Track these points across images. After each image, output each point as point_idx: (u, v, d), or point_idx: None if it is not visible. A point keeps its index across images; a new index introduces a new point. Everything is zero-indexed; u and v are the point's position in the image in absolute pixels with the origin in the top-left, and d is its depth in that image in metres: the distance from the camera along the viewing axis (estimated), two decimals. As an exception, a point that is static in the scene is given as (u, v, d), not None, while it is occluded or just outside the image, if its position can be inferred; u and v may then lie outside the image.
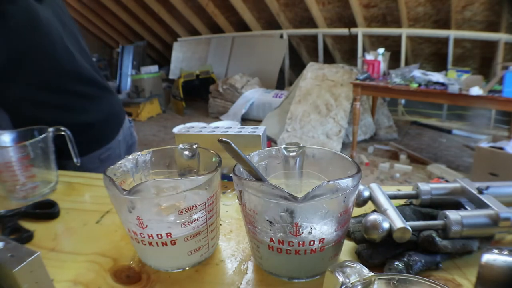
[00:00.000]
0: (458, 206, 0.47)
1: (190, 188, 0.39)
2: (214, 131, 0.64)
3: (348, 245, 0.45)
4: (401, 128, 3.90)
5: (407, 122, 4.14)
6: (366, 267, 0.26)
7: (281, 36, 4.75)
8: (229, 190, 0.63)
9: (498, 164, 2.22)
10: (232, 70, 5.17)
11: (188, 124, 0.83)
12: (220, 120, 4.33)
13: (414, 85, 2.73)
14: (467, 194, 0.47)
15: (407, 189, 0.51)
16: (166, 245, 0.41)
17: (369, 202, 0.48)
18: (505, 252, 0.32)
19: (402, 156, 3.09)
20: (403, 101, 4.24)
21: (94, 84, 0.96)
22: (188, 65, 5.59)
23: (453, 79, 2.69)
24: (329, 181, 0.35)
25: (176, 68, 5.74)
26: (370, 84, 2.96)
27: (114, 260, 0.46)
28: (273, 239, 0.38)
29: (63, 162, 0.72)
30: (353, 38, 4.13)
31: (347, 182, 0.36)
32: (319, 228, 0.37)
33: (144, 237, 0.40)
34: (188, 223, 0.41)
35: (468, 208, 0.45)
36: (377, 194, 0.47)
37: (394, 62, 3.74)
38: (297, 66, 4.94)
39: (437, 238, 0.40)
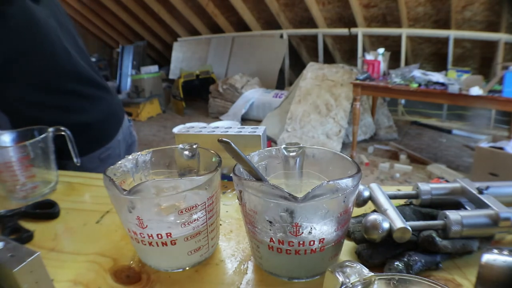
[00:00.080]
0: (458, 206, 0.47)
1: (190, 188, 0.39)
2: (214, 131, 0.64)
3: (348, 245, 0.45)
4: (401, 128, 3.90)
5: (407, 122, 4.14)
6: (366, 267, 0.26)
7: (281, 36, 4.75)
8: (229, 190, 0.63)
9: (498, 164, 2.22)
10: (232, 70, 5.17)
11: (188, 124, 0.83)
12: (220, 120, 4.33)
13: (414, 85, 2.73)
14: (467, 194, 0.47)
15: (407, 189, 0.51)
16: (166, 245, 0.41)
17: (369, 202, 0.48)
18: (505, 252, 0.32)
19: (402, 156, 3.09)
20: (403, 101, 4.24)
21: (93, 84, 0.96)
22: (188, 65, 5.59)
23: (453, 79, 2.69)
24: (329, 181, 0.35)
25: (176, 68, 5.74)
26: (370, 84, 2.96)
27: (114, 260, 0.46)
28: (273, 239, 0.38)
29: (63, 162, 0.72)
30: (353, 38, 4.13)
31: (347, 182, 0.36)
32: (319, 228, 0.37)
33: (144, 237, 0.40)
34: (188, 223, 0.41)
35: (468, 208, 0.45)
36: (377, 194, 0.47)
37: (394, 62, 3.74)
38: (297, 66, 4.94)
39: (437, 238, 0.40)
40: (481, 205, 0.43)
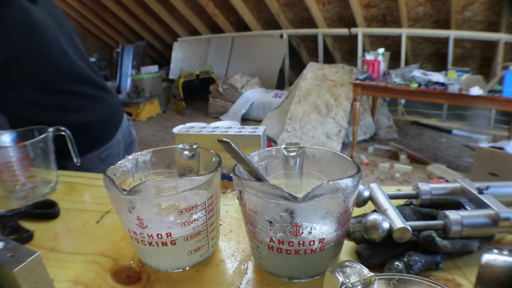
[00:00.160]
0: (458, 206, 0.47)
1: (190, 188, 0.39)
2: (214, 131, 0.64)
3: (348, 245, 0.45)
4: (401, 128, 3.90)
5: (407, 122, 4.14)
6: (366, 267, 0.26)
7: (281, 36, 4.75)
8: (229, 190, 0.63)
9: (498, 164, 2.22)
10: (232, 70, 5.17)
11: (188, 124, 0.83)
12: (220, 120, 4.33)
13: (414, 85, 2.73)
14: (467, 194, 0.47)
15: (407, 189, 0.51)
16: (166, 245, 0.41)
17: (369, 202, 0.48)
18: (505, 252, 0.32)
19: (402, 156, 3.09)
20: (403, 101, 4.24)
21: (92, 84, 0.96)
22: (188, 65, 5.59)
23: (453, 79, 2.69)
24: (329, 181, 0.35)
25: (176, 68, 5.74)
26: (370, 84, 2.96)
27: (114, 260, 0.46)
28: (273, 239, 0.38)
29: (63, 162, 0.72)
30: (353, 38, 4.13)
31: (347, 182, 0.36)
32: (319, 228, 0.37)
33: (144, 237, 0.40)
34: (188, 223, 0.41)
35: (468, 208, 0.45)
36: (377, 194, 0.47)
37: (394, 62, 3.74)
38: (297, 66, 4.94)
39: (437, 238, 0.40)
40: (481, 205, 0.43)
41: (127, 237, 0.45)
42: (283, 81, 5.01)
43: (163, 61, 6.68)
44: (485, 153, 2.30)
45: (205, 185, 0.40)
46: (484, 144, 2.40)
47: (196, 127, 0.68)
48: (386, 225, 0.40)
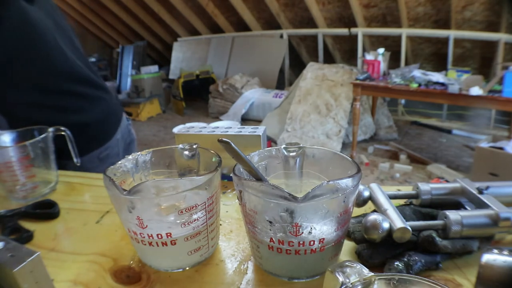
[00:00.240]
0: (458, 206, 0.47)
1: (190, 188, 0.39)
2: (214, 131, 0.64)
3: (348, 245, 0.45)
4: (401, 128, 3.90)
5: (407, 122, 4.14)
6: (366, 267, 0.26)
7: (281, 36, 4.75)
8: (229, 190, 0.63)
9: (498, 164, 2.22)
10: (232, 70, 5.17)
11: (188, 124, 0.83)
12: (220, 120, 4.33)
13: (414, 85, 2.73)
14: (467, 194, 0.47)
15: (407, 189, 0.51)
16: (166, 245, 0.41)
17: (369, 202, 0.48)
18: (505, 252, 0.32)
19: (402, 156, 3.09)
20: (403, 101, 4.24)
21: (90, 84, 0.96)
22: (188, 65, 5.59)
23: (453, 79, 2.69)
24: (329, 181, 0.35)
25: (176, 68, 5.74)
26: (370, 84, 2.96)
27: (114, 260, 0.46)
28: (273, 239, 0.38)
29: (63, 162, 0.72)
30: (353, 38, 4.13)
31: (347, 182, 0.36)
32: (319, 228, 0.37)
33: (144, 237, 0.40)
34: (188, 223, 0.41)
35: (468, 208, 0.45)
36: (377, 194, 0.47)
37: (394, 62, 3.74)
38: (297, 66, 4.94)
39: (437, 238, 0.40)
40: (481, 205, 0.43)
41: (127, 237, 0.45)
42: (283, 81, 5.01)
43: (163, 61, 6.68)
44: (485, 153, 2.30)
45: (205, 185, 0.40)
46: (484, 144, 2.40)
47: (196, 127, 0.68)
48: (386, 225, 0.40)
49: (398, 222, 0.40)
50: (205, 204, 0.41)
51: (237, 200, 0.47)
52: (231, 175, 0.40)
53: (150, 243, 0.41)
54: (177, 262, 0.43)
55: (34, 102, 0.86)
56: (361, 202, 0.47)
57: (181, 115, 5.08)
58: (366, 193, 0.47)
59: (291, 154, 0.47)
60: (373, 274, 0.26)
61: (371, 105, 3.66)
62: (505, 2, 3.07)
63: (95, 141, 0.96)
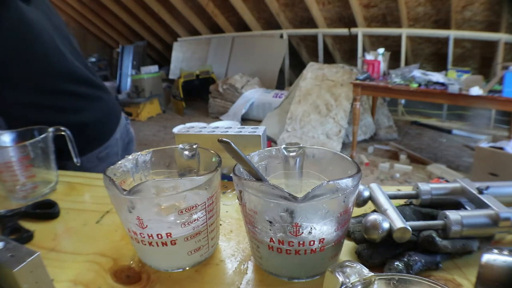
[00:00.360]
0: (458, 206, 0.47)
1: (190, 188, 0.39)
2: (214, 131, 0.64)
3: (348, 245, 0.45)
4: (401, 128, 3.90)
5: (407, 122, 4.14)
6: (366, 267, 0.26)
7: (281, 36, 4.75)
8: (229, 190, 0.63)
9: (498, 164, 2.22)
10: (232, 70, 5.17)
11: (188, 124, 0.83)
12: (220, 120, 4.33)
13: (414, 85, 2.73)
14: (467, 194, 0.47)
15: (407, 189, 0.51)
16: (166, 245, 0.41)
17: (369, 202, 0.48)
18: (505, 252, 0.32)
19: (402, 156, 3.09)
20: (403, 101, 4.24)
21: (89, 84, 0.96)
22: (188, 65, 5.59)
23: (453, 79, 2.69)
24: (329, 181, 0.35)
25: (176, 68, 5.74)
26: (370, 84, 2.96)
27: (114, 260, 0.46)
28: (273, 239, 0.38)
29: (63, 162, 0.72)
30: (353, 38, 4.13)
31: (347, 182, 0.36)
32: (319, 228, 0.37)
33: (144, 237, 0.40)
34: (188, 223, 0.41)
35: (468, 208, 0.45)
36: (377, 194, 0.47)
37: (394, 62, 3.74)
38: (297, 66, 4.94)
39: (437, 238, 0.40)
40: (481, 205, 0.43)
41: (127, 237, 0.45)
42: (283, 81, 5.01)
43: (163, 61, 6.68)
44: (485, 153, 2.30)
45: (205, 185, 0.40)
46: (484, 144, 2.40)
47: (196, 127, 0.68)
48: (386, 225, 0.40)
49: (398, 222, 0.40)
50: (205, 204, 0.41)
51: (237, 200, 0.47)
52: (231, 175, 0.40)
53: (150, 243, 0.41)
54: (177, 262, 0.43)
55: (32, 103, 0.86)
56: (361, 202, 0.47)
57: (181, 115, 5.08)
58: (366, 193, 0.47)
59: (291, 154, 0.47)
60: (373, 274, 0.26)
61: (371, 105, 3.66)
62: (505, 2, 3.07)
63: (94, 141, 0.96)
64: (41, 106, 0.87)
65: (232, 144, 0.37)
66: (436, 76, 2.75)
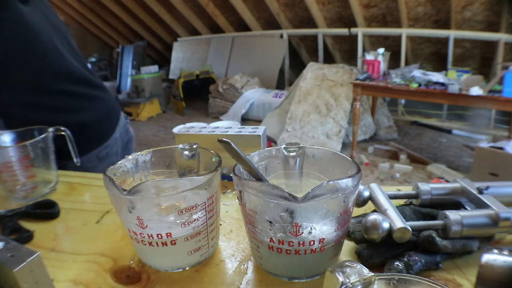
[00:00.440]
0: (458, 206, 0.47)
1: (190, 188, 0.39)
2: (214, 131, 0.64)
3: (348, 245, 0.45)
4: (401, 128, 3.90)
5: (407, 122, 4.14)
6: (366, 267, 0.26)
7: (281, 36, 4.75)
8: (229, 190, 0.63)
9: (498, 164, 2.22)
10: (232, 70, 5.17)
11: (188, 124, 0.83)
12: (220, 120, 4.33)
13: (414, 85, 2.73)
14: (467, 194, 0.47)
15: (407, 189, 0.51)
16: (166, 245, 0.41)
17: (369, 202, 0.48)
18: (505, 252, 0.32)
19: (402, 156, 3.09)
20: (403, 101, 4.24)
21: (88, 84, 0.95)
22: (188, 65, 5.59)
23: (453, 79, 2.69)
24: (329, 181, 0.35)
25: (176, 68, 5.74)
26: (370, 84, 2.96)
27: (114, 260, 0.46)
28: (273, 239, 0.38)
29: (63, 162, 0.72)
30: (353, 38, 4.13)
31: (347, 182, 0.36)
32: (319, 228, 0.37)
33: (144, 237, 0.40)
34: (188, 223, 0.41)
35: (468, 208, 0.45)
36: (377, 194, 0.47)
37: (394, 62, 3.74)
38: (297, 66, 4.94)
39: (437, 238, 0.40)
40: (481, 205, 0.43)
41: (127, 237, 0.45)
42: (283, 81, 5.01)
43: (163, 61, 6.68)
44: (485, 153, 2.30)
45: (205, 185, 0.40)
46: (484, 144, 2.40)
47: (196, 127, 0.68)
48: (386, 225, 0.40)
49: (398, 222, 0.40)
50: (205, 204, 0.41)
51: (237, 200, 0.47)
52: (231, 175, 0.40)
53: (150, 243, 0.41)
54: (177, 262, 0.43)
55: (31, 103, 0.86)
56: (361, 202, 0.47)
57: (181, 115, 5.08)
58: (366, 193, 0.47)
59: (291, 154, 0.47)
60: (373, 274, 0.26)
61: (371, 105, 3.66)
62: (505, 2, 3.07)
63: (94, 141, 0.96)
64: (41, 106, 0.87)
65: (232, 144, 0.37)
66: (436, 76, 2.75)
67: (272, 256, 0.39)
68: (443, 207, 0.46)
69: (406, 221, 0.41)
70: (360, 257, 0.42)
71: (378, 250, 0.41)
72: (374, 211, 0.48)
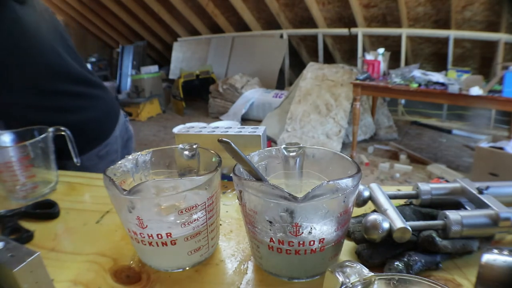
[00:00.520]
0: (458, 206, 0.47)
1: (190, 188, 0.39)
2: (214, 131, 0.64)
3: (348, 245, 0.45)
4: (401, 128, 3.90)
5: (407, 122, 4.14)
6: (366, 267, 0.26)
7: (281, 36, 4.75)
8: (229, 190, 0.63)
9: (498, 164, 2.22)
10: (232, 70, 5.17)
11: (188, 124, 0.83)
12: (220, 120, 4.33)
13: (414, 85, 2.73)
14: (467, 194, 0.47)
15: (407, 189, 0.51)
16: (166, 245, 0.41)
17: (369, 202, 0.48)
18: (505, 252, 0.32)
19: (402, 156, 3.09)
20: (403, 101, 4.24)
21: (87, 83, 0.96)
22: (188, 65, 5.59)
23: (453, 79, 2.68)
24: (329, 181, 0.35)
25: (176, 68, 5.74)
26: (370, 84, 2.96)
27: (114, 260, 0.46)
28: (273, 239, 0.38)
29: (63, 162, 0.72)
30: (353, 38, 4.13)
31: (347, 182, 0.36)
32: (319, 228, 0.37)
33: (144, 237, 0.40)
34: (188, 223, 0.41)
35: (468, 208, 0.45)
36: (377, 194, 0.47)
37: (394, 62, 3.74)
38: (297, 66, 4.94)
39: (437, 238, 0.40)
40: (481, 205, 0.43)
41: (127, 237, 0.45)
42: (283, 81, 5.01)
43: (163, 61, 6.68)
44: (485, 153, 2.30)
45: (205, 185, 0.40)
46: (484, 144, 2.40)
47: (196, 127, 0.68)
48: (386, 225, 0.40)
49: (398, 222, 0.40)
50: (205, 204, 0.41)
51: (237, 200, 0.47)
52: (231, 175, 0.40)
53: (150, 243, 0.41)
54: (177, 262, 0.43)
55: (30, 103, 0.86)
56: (361, 202, 0.47)
57: (181, 115, 5.08)
58: (366, 193, 0.47)
59: (291, 154, 0.47)
60: (373, 274, 0.26)
61: (371, 105, 3.66)
62: (505, 2, 3.07)
63: (94, 140, 0.96)
64: (40, 106, 0.87)
65: (232, 144, 0.37)
66: (436, 76, 2.75)
67: (272, 256, 0.39)
68: (443, 207, 0.46)
69: (406, 221, 0.41)
70: (360, 257, 0.42)
71: (378, 250, 0.41)
72: (374, 211, 0.48)
